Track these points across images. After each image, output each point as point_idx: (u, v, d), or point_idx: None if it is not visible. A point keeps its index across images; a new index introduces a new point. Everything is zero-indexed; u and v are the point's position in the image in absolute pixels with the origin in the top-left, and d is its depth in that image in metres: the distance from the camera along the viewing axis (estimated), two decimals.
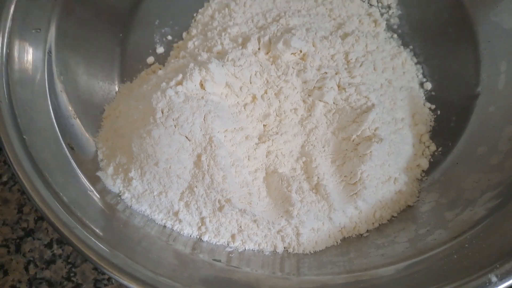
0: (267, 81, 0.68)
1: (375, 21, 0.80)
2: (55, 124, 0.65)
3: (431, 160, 0.69)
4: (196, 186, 0.59)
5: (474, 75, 0.74)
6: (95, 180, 0.64)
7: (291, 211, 0.59)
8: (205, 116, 0.60)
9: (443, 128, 0.71)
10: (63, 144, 0.63)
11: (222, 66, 0.65)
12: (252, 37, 0.70)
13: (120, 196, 0.63)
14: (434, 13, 0.80)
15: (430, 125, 0.72)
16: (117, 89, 0.78)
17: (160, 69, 0.80)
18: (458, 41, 0.77)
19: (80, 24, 0.77)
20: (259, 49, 0.71)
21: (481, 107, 0.71)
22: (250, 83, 0.67)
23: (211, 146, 0.59)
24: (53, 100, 0.67)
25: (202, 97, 0.63)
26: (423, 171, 0.68)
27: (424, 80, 0.76)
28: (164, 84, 0.63)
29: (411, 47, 0.78)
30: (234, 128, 0.63)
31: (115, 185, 0.63)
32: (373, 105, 0.64)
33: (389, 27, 0.80)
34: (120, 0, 0.84)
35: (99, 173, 0.64)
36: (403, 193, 0.64)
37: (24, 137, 0.59)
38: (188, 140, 0.59)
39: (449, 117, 0.72)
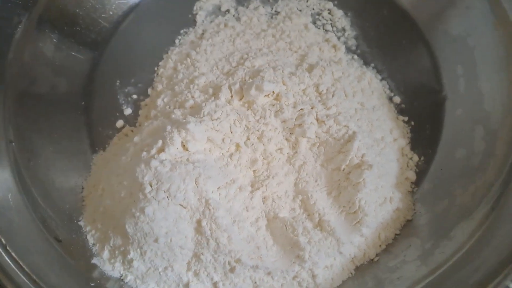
0: (247, 127, 0.68)
1: (334, 46, 0.82)
2: (35, 218, 0.60)
3: (417, 170, 0.72)
4: (202, 253, 0.57)
5: (436, 82, 0.78)
6: (91, 268, 0.60)
7: (302, 256, 0.58)
8: (196, 180, 0.58)
9: (420, 138, 0.74)
10: (49, 238, 0.59)
11: (200, 123, 0.64)
12: (223, 87, 0.70)
13: (122, 279, 0.60)
14: (385, 28, 0.84)
15: (408, 137, 0.74)
16: (91, 162, 0.74)
17: (132, 131, 0.77)
18: (414, 51, 0.81)
19: (37, 103, 0.73)
20: (231, 96, 0.70)
21: (450, 112, 0.75)
22: (231, 132, 0.66)
23: (209, 210, 0.57)
24: (27, 193, 0.62)
25: (187, 160, 0.61)
26: (412, 183, 0.71)
27: (392, 94, 0.78)
28: (144, 153, 0.61)
29: (372, 65, 0.81)
30: (226, 183, 0.62)
31: (114, 269, 0.59)
32: (354, 133, 0.66)
33: (348, 49, 0.83)
34: (74, 68, 0.81)
35: (94, 260, 0.60)
36: (400, 210, 0.66)
37: (4, 242, 0.54)
38: (184, 208, 0.57)
39: (423, 125, 0.75)
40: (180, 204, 0.57)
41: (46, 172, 0.68)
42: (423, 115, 0.76)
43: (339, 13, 0.86)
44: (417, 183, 0.70)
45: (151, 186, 0.57)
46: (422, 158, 0.72)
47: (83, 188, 0.70)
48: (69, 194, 0.68)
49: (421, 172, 0.71)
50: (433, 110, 0.76)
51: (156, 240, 0.56)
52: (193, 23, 0.89)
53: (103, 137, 0.77)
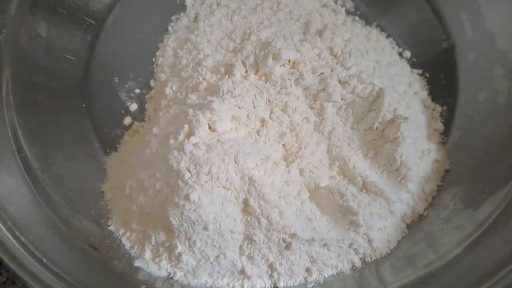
0: (269, 101, 0.65)
1: (333, 10, 0.80)
2: (64, 230, 0.55)
3: (442, 120, 0.71)
4: (254, 234, 0.54)
5: (442, 30, 0.77)
6: (134, 273, 0.55)
7: (356, 220, 0.56)
8: (235, 158, 0.55)
9: (438, 88, 0.73)
10: (85, 247, 0.54)
11: (223, 101, 0.60)
12: (236, 63, 0.66)
13: (171, 278, 0.55)
14: None
15: (426, 89, 0.73)
16: (105, 164, 0.69)
17: (142, 126, 0.73)
18: (412, 4, 0.80)
19: (36, 111, 0.67)
20: (246, 72, 0.67)
21: (462, 58, 0.74)
22: (254, 108, 0.63)
23: (254, 187, 0.54)
24: (49, 205, 0.57)
25: (218, 140, 0.57)
26: (440, 133, 0.70)
27: (401, 50, 0.77)
28: (172, 141, 0.57)
29: (375, 24, 0.80)
30: (261, 159, 0.59)
31: (161, 268, 0.55)
32: (380, 89, 0.64)
33: (348, 12, 0.81)
34: (68, 70, 0.75)
35: (137, 263, 0.55)
36: (438, 161, 0.65)
37: (40, 257, 0.49)
38: (227, 189, 0.54)
39: (437, 76, 0.74)
40: (222, 186, 0.53)
41: (61, 180, 0.62)
42: (436, 66, 0.75)
43: None
44: (446, 133, 0.70)
45: (189, 171, 0.53)
46: (444, 108, 0.72)
47: (103, 192, 0.64)
48: (90, 200, 0.62)
49: (447, 122, 0.70)
50: (445, 59, 0.75)
51: (205, 228, 0.52)
52: (183, 8, 0.84)
53: (112, 138, 0.73)
